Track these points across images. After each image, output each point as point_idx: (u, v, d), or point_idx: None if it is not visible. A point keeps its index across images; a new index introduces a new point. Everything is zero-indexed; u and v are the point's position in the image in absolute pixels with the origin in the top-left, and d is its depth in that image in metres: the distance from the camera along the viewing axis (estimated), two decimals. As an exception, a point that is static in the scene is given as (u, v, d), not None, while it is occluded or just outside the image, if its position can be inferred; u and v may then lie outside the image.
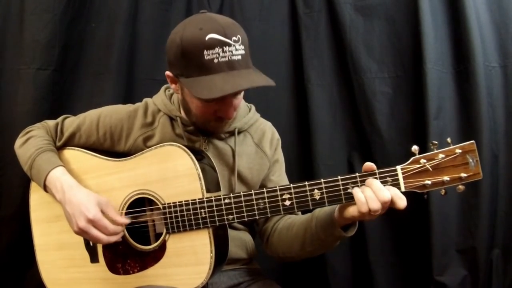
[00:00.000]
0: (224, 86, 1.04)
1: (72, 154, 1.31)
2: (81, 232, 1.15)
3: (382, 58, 1.85)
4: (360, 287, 1.91)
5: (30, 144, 1.29)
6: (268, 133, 1.35)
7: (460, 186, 0.97)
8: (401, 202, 0.96)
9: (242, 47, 1.08)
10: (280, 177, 1.35)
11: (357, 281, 1.91)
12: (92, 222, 1.14)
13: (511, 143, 1.78)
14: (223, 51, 1.05)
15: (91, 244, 1.26)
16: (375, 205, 0.96)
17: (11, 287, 1.82)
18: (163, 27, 1.90)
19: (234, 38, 1.07)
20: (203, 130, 1.25)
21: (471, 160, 0.96)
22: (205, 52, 1.05)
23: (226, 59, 1.05)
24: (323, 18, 1.90)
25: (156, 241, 1.19)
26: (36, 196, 1.34)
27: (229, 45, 1.06)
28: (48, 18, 1.79)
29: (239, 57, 1.07)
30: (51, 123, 1.36)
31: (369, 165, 1.01)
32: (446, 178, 0.96)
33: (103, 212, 1.17)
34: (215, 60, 1.05)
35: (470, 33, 1.73)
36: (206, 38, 1.04)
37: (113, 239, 1.16)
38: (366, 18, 1.85)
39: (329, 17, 1.89)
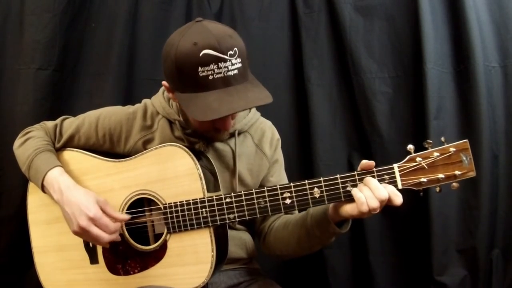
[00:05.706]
0: (220, 108, 1.02)
1: (71, 155, 1.31)
2: (82, 231, 1.14)
3: (382, 58, 1.84)
4: (360, 287, 1.90)
5: (29, 144, 1.28)
6: (268, 133, 1.34)
7: (455, 184, 1.00)
8: (398, 199, 0.99)
9: (238, 60, 1.05)
10: (279, 178, 1.35)
11: (357, 281, 1.91)
12: (93, 220, 1.13)
13: (511, 143, 1.78)
14: (218, 67, 1.02)
15: (90, 245, 1.25)
16: (374, 204, 0.98)
17: (11, 288, 1.82)
18: (163, 27, 1.90)
19: (230, 52, 1.03)
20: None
21: (464, 158, 0.99)
22: (200, 69, 1.02)
23: (222, 75, 1.03)
24: (323, 18, 1.89)
25: (155, 241, 1.19)
26: (34, 197, 1.33)
27: (225, 60, 1.02)
28: (48, 18, 1.78)
29: (235, 71, 1.04)
30: (50, 124, 1.35)
31: (366, 162, 1.03)
32: (441, 175, 0.99)
33: (102, 211, 1.16)
34: (210, 77, 1.02)
35: (470, 33, 1.73)
36: (200, 55, 1.01)
37: (114, 236, 1.16)
38: (366, 18, 1.84)
39: (329, 17, 1.89)
